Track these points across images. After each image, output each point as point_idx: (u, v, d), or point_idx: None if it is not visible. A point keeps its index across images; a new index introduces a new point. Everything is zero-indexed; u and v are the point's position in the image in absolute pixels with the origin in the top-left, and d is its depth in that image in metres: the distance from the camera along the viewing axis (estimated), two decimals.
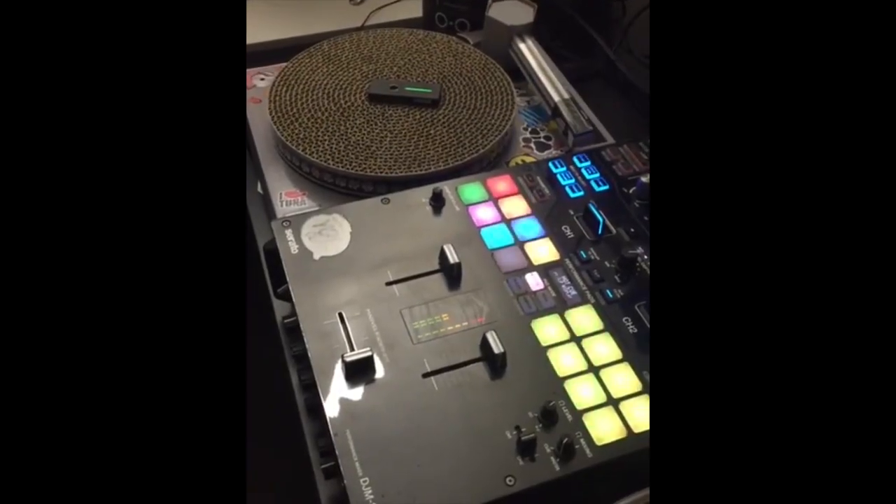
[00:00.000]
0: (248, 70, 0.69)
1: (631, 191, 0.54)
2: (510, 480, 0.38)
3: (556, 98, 0.63)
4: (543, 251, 0.50)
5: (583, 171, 0.56)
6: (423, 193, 0.53)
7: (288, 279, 0.47)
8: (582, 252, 0.50)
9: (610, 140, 0.62)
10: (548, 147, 0.63)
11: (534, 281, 0.48)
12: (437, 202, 0.52)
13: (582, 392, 0.42)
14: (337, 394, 0.41)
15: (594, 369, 0.43)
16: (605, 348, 0.44)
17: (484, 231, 0.51)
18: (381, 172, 0.56)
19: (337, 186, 0.57)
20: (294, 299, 0.46)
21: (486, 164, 0.60)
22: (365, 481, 0.38)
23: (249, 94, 0.66)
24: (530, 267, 0.49)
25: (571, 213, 0.53)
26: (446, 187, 0.53)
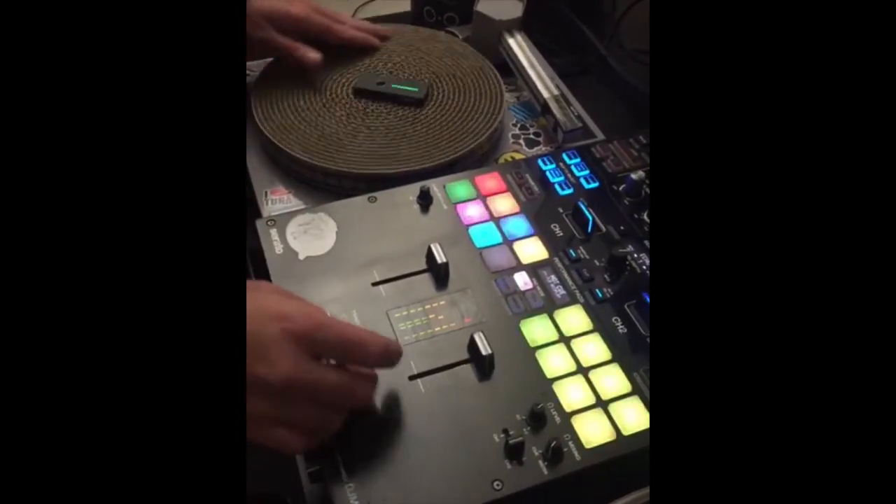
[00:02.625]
0: None
1: (621, 188, 0.54)
2: (497, 485, 0.37)
3: (545, 94, 0.62)
4: (532, 250, 0.49)
5: (572, 168, 0.55)
6: (411, 191, 0.52)
7: (273, 280, 0.46)
8: (571, 251, 0.49)
9: (600, 136, 0.61)
10: (537, 143, 0.62)
11: (522, 280, 0.47)
12: (425, 200, 0.51)
13: (571, 394, 0.41)
14: None
15: (583, 370, 0.42)
16: (594, 349, 0.43)
17: (472, 230, 0.50)
18: (368, 170, 0.55)
19: (323, 184, 0.56)
20: None
21: (474, 161, 0.59)
22: (350, 487, 0.37)
23: None
24: (519, 266, 0.48)
25: (561, 211, 0.52)
26: (434, 185, 0.53)
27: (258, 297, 0.37)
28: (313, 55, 0.62)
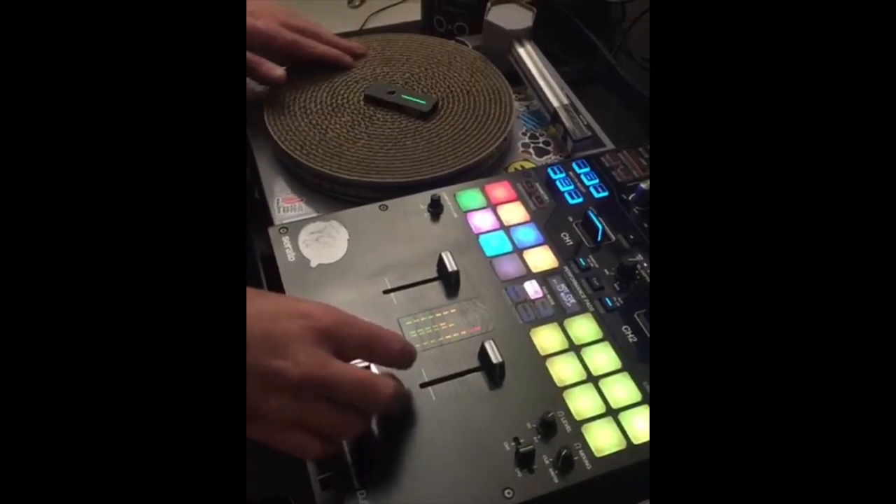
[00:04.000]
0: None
1: (630, 197, 0.54)
2: (508, 493, 0.37)
3: (555, 104, 0.62)
4: (542, 259, 0.49)
5: (582, 177, 0.55)
6: (421, 200, 0.52)
7: (285, 287, 0.47)
8: (581, 259, 0.49)
9: (609, 145, 0.61)
10: (547, 152, 0.63)
11: (532, 289, 0.47)
12: (436, 209, 0.52)
13: (581, 402, 0.41)
14: None
15: (593, 379, 0.43)
16: (604, 358, 0.44)
17: (482, 238, 0.50)
18: (380, 178, 0.55)
19: (335, 192, 0.57)
20: None
21: (484, 169, 0.59)
22: (362, 494, 0.37)
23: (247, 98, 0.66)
24: (529, 275, 0.48)
25: (570, 219, 0.52)
26: (444, 194, 0.53)
27: (279, 299, 0.38)
28: (277, 72, 0.61)
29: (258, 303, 0.36)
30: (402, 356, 0.40)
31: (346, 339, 0.38)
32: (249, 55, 0.61)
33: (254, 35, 0.61)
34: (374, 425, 0.40)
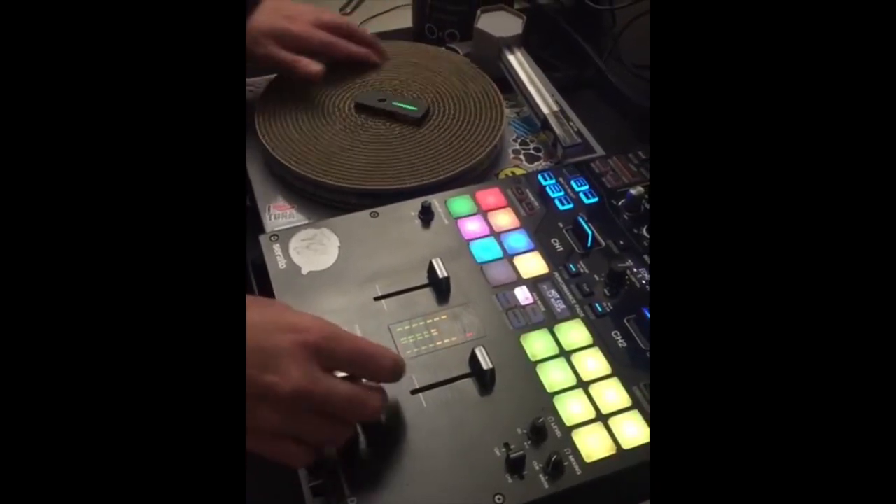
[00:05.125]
0: None
1: (620, 203, 0.54)
2: (499, 499, 0.37)
3: (545, 110, 0.62)
4: (532, 265, 0.50)
5: (572, 183, 0.56)
6: (412, 207, 0.53)
7: (276, 295, 0.47)
8: (571, 265, 0.49)
9: (599, 151, 0.62)
10: (537, 158, 0.63)
11: (523, 295, 0.48)
12: (426, 215, 0.52)
13: (571, 408, 0.41)
14: None
15: (583, 384, 0.43)
16: (594, 363, 0.44)
17: (473, 245, 0.51)
18: (369, 185, 0.56)
19: (326, 199, 0.57)
20: None
21: (475, 176, 0.59)
22: (353, 501, 0.37)
23: None
24: (519, 281, 0.49)
25: (560, 225, 0.52)
26: (435, 200, 0.53)
27: (271, 311, 0.38)
28: (315, 67, 0.63)
29: (249, 314, 0.36)
30: (393, 372, 0.39)
31: (335, 354, 0.37)
32: (287, 55, 0.63)
33: (289, 38, 0.63)
34: (362, 432, 0.40)
